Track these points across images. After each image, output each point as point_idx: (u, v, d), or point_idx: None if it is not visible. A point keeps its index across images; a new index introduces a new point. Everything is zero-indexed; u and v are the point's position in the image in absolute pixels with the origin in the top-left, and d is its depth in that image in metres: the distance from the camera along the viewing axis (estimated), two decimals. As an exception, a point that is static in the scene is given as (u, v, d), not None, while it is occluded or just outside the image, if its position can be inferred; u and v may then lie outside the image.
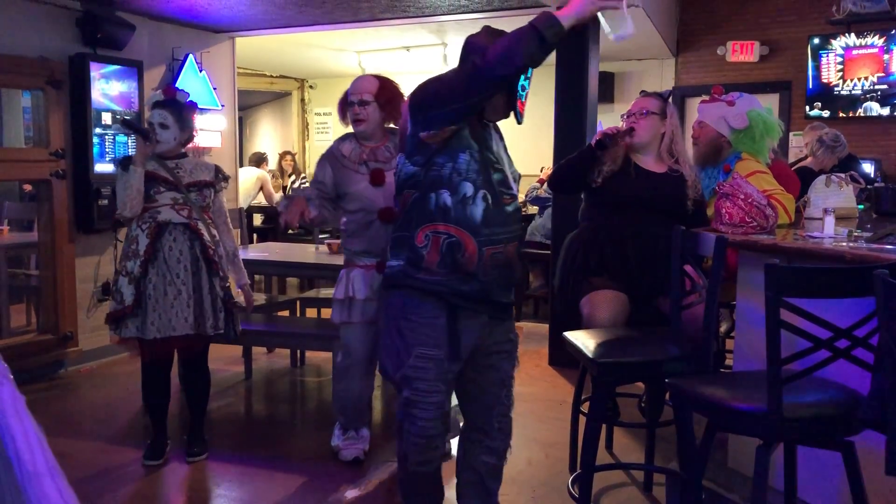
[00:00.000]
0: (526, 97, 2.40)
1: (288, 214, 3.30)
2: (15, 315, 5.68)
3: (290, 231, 8.67)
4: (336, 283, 3.56)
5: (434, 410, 2.31)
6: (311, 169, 9.85)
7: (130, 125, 3.55)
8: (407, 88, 9.60)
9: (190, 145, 3.64)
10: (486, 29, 2.40)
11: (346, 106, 3.48)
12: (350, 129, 3.53)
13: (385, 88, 3.44)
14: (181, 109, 3.47)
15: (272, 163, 9.24)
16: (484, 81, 2.14)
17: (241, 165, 7.71)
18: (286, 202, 3.41)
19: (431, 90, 2.24)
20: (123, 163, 3.38)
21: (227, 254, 3.64)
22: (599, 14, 2.15)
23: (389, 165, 3.39)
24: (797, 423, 1.96)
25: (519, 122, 2.40)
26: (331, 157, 3.49)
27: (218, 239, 3.55)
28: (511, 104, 2.36)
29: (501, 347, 2.49)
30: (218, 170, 3.61)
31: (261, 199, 8.24)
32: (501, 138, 2.54)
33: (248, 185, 7.90)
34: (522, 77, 2.27)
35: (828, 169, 5.10)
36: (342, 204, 3.47)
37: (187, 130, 3.51)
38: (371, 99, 3.40)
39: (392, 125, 3.52)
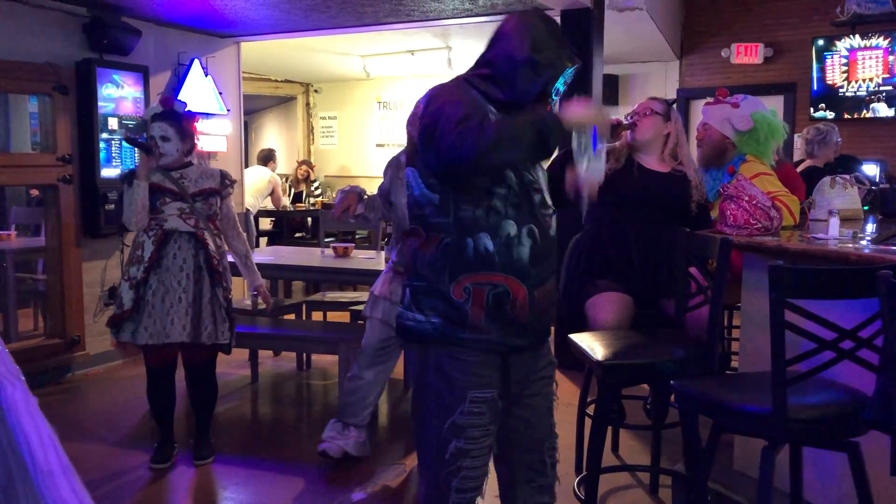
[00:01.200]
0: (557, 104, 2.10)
1: (337, 208, 3.50)
2: (22, 319, 5.71)
3: (296, 234, 8.72)
4: (380, 277, 3.63)
5: (485, 457, 2.00)
6: (320, 174, 9.90)
7: (133, 141, 3.56)
8: (411, 92, 9.62)
9: (194, 152, 3.65)
10: (532, 18, 2.01)
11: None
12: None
13: None
14: (180, 120, 3.47)
15: (282, 165, 9.30)
16: (473, 157, 1.78)
17: (247, 166, 7.73)
18: (342, 195, 3.56)
19: (434, 132, 1.86)
20: (128, 178, 3.40)
21: (239, 257, 3.66)
22: (576, 135, 1.90)
23: None
24: (802, 424, 1.97)
25: None
26: (394, 163, 3.57)
27: (224, 249, 3.56)
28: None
29: (545, 372, 2.14)
30: (223, 175, 3.62)
31: (268, 203, 8.26)
32: None
33: (260, 185, 7.91)
34: (560, 79, 1.98)
35: (832, 160, 5.09)
36: (390, 211, 3.57)
37: (188, 140, 3.51)
38: None
39: None
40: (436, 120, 1.85)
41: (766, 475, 2.02)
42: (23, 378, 0.94)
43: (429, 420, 1.98)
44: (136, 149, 3.68)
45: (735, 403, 2.08)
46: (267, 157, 8.39)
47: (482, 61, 2.04)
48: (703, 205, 3.44)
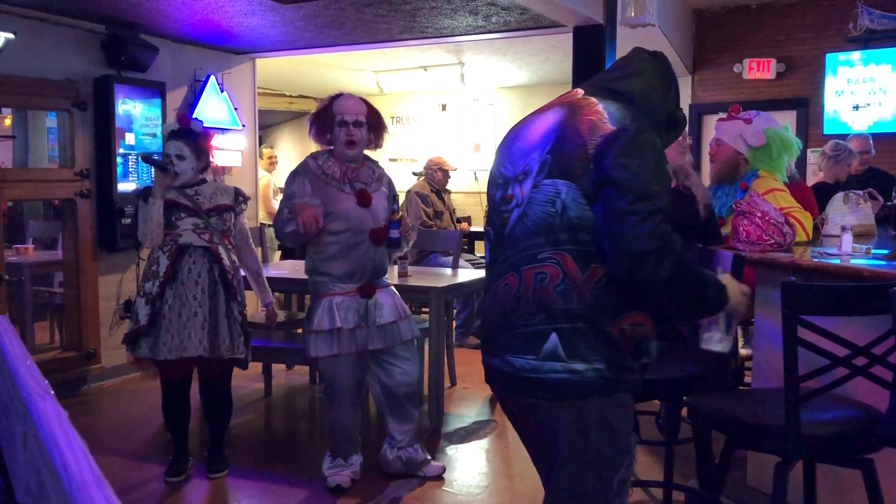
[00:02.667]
0: None
1: (307, 218, 3.16)
2: (39, 332, 5.76)
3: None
4: (311, 313, 3.40)
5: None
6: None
7: (149, 159, 3.61)
8: (424, 108, 9.62)
9: (209, 169, 3.70)
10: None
11: (335, 125, 3.36)
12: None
13: (372, 111, 3.46)
14: (196, 138, 3.52)
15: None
16: (650, 280, 1.58)
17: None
18: (291, 214, 3.25)
19: (626, 206, 1.58)
20: (144, 195, 3.45)
21: (251, 273, 3.68)
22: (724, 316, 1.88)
23: (372, 188, 3.40)
24: (815, 440, 1.97)
25: None
26: (309, 173, 3.35)
27: (238, 265, 3.59)
28: None
29: None
30: (238, 192, 3.65)
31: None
32: None
33: (260, 191, 7.85)
34: None
35: (843, 179, 5.08)
36: (328, 224, 3.28)
37: (203, 158, 3.56)
38: (364, 120, 3.38)
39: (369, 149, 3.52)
40: (630, 189, 1.58)
41: (780, 491, 2.02)
42: (52, 392, 0.97)
43: (587, 485, 1.68)
44: (152, 167, 3.72)
45: (748, 419, 2.09)
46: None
47: (617, 93, 1.79)
48: (712, 220, 3.44)
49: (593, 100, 1.74)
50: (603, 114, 1.68)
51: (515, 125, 1.91)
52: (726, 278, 1.80)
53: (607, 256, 1.60)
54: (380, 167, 3.58)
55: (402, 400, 3.50)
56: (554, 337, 1.62)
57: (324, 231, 3.29)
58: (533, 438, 1.81)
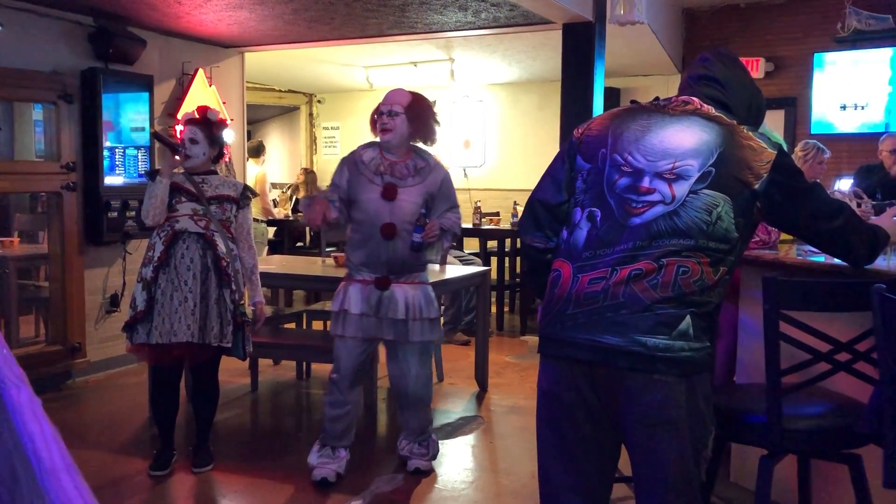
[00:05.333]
0: None
1: (311, 214, 3.31)
2: (24, 326, 5.72)
3: (298, 244, 8.73)
4: (335, 294, 3.54)
5: None
6: (325, 183, 9.92)
7: (160, 137, 3.67)
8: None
9: (220, 162, 3.75)
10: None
11: (377, 116, 3.44)
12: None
13: (417, 103, 3.42)
14: (211, 126, 3.58)
15: (284, 174, 9.27)
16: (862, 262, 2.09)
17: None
18: (308, 202, 3.44)
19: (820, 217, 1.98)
20: (152, 173, 3.51)
21: (246, 269, 3.67)
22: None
23: (405, 182, 3.37)
24: (798, 433, 1.98)
25: None
26: (350, 161, 3.47)
27: (235, 253, 3.58)
28: None
29: None
30: (246, 188, 3.69)
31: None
32: None
33: (252, 185, 7.85)
34: None
35: (818, 177, 5.11)
36: (351, 211, 3.42)
37: (216, 147, 3.62)
38: (401, 111, 3.37)
39: (419, 142, 3.50)
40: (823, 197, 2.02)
41: (765, 484, 2.03)
42: (27, 381, 0.96)
43: (690, 459, 1.82)
44: (163, 146, 3.76)
45: (733, 412, 2.10)
46: (257, 150, 8.02)
47: (710, 79, 2.06)
48: None
49: (741, 127, 1.93)
50: (758, 140, 1.90)
51: (632, 116, 1.98)
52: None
53: (838, 252, 2.07)
54: (429, 161, 3.49)
55: (401, 396, 3.55)
56: (688, 319, 1.77)
57: (351, 219, 3.43)
58: (631, 418, 1.85)
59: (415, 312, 3.39)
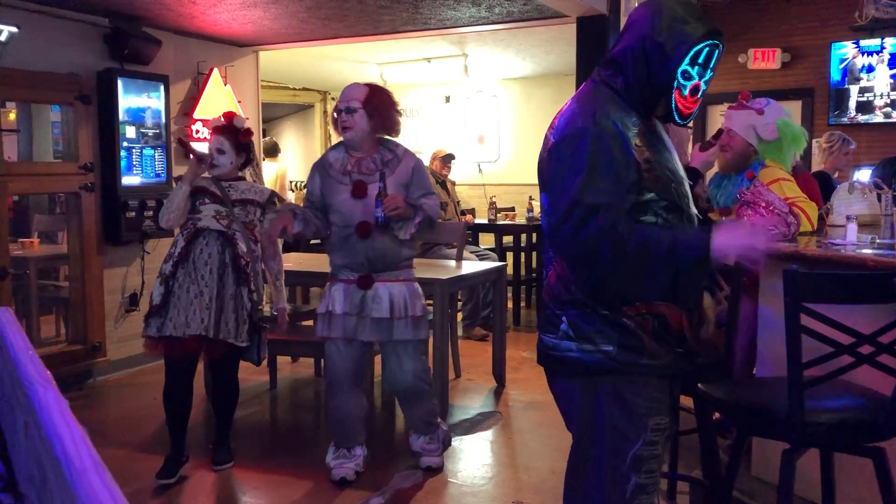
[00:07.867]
0: (692, 92, 1.93)
1: (270, 227, 3.35)
2: (45, 326, 5.78)
3: (312, 241, 8.74)
4: (321, 296, 3.51)
5: (656, 492, 1.89)
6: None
7: (185, 145, 3.71)
8: (427, 100, 9.64)
9: (248, 168, 3.80)
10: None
11: (336, 114, 3.39)
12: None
13: (374, 95, 3.34)
14: (237, 134, 3.62)
15: (299, 172, 9.29)
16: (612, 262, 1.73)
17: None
18: (272, 216, 3.47)
19: (555, 205, 1.77)
20: (177, 178, 3.58)
21: (272, 274, 3.72)
22: None
23: (373, 177, 3.31)
24: (820, 427, 1.96)
25: (680, 123, 1.96)
26: (320, 165, 3.43)
27: (257, 255, 3.60)
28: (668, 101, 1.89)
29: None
30: (273, 194, 3.72)
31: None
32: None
33: (268, 182, 7.89)
34: (686, 59, 1.84)
35: (842, 168, 5.10)
36: (328, 215, 3.39)
37: (243, 154, 3.66)
38: (359, 106, 3.29)
39: (385, 135, 3.43)
40: (558, 186, 1.76)
41: (787, 478, 2.02)
42: (53, 382, 0.97)
43: (601, 458, 1.82)
44: (188, 154, 3.81)
45: (755, 406, 2.09)
46: (272, 149, 8.09)
47: (609, 61, 1.87)
48: (706, 212, 3.42)
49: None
50: (556, 121, 1.85)
51: None
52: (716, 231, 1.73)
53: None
54: (396, 152, 3.42)
55: (399, 393, 3.55)
56: (565, 320, 1.83)
57: (330, 222, 3.40)
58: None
59: (399, 310, 3.34)
